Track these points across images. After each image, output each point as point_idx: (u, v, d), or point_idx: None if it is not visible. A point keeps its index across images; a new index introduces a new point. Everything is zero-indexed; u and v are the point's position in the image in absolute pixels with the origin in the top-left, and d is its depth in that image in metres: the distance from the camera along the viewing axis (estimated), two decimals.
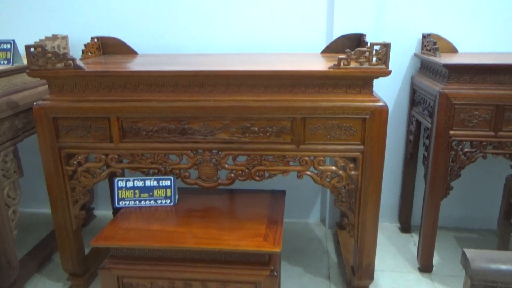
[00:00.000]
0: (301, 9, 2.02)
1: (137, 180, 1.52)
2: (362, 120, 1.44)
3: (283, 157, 1.50)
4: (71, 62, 1.46)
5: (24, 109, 1.70)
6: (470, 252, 0.79)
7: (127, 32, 2.08)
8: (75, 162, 1.57)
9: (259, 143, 1.49)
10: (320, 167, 1.50)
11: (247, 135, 1.49)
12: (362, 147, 1.46)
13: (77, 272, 1.72)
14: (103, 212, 2.43)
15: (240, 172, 1.53)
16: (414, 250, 2.03)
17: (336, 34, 1.96)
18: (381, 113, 1.42)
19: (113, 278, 1.31)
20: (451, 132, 1.64)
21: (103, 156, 1.55)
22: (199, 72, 1.44)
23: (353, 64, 1.38)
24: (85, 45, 1.88)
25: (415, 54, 2.02)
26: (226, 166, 1.53)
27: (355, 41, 1.94)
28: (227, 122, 1.48)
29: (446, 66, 1.60)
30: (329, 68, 1.39)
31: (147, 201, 1.52)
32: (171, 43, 2.10)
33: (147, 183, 1.52)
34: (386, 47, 1.36)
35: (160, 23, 2.08)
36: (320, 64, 1.62)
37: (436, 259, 1.86)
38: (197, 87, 1.48)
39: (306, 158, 1.49)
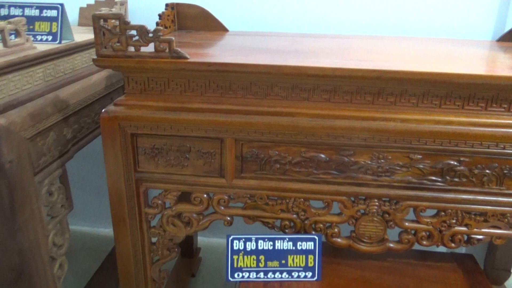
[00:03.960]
0: None
1: (262, 240, 0.96)
2: None
3: (502, 215, 0.93)
4: (165, 46, 0.88)
5: (75, 110, 1.13)
6: None
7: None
8: (160, 202, 1.01)
9: (466, 192, 0.92)
10: None
11: (448, 178, 0.91)
12: None
13: None
14: None
15: (425, 234, 0.97)
16: None
17: None
18: None
19: None
20: None
21: (205, 196, 0.99)
22: (383, 73, 0.85)
23: None
24: (160, 16, 1.28)
25: None
26: (406, 224, 0.96)
27: None
28: (418, 157, 0.90)
29: None
30: None
31: (278, 274, 0.96)
32: (265, 16, 1.50)
33: (278, 244, 0.96)
34: None
35: None
36: None
37: None
38: (370, 96, 0.90)
39: None
